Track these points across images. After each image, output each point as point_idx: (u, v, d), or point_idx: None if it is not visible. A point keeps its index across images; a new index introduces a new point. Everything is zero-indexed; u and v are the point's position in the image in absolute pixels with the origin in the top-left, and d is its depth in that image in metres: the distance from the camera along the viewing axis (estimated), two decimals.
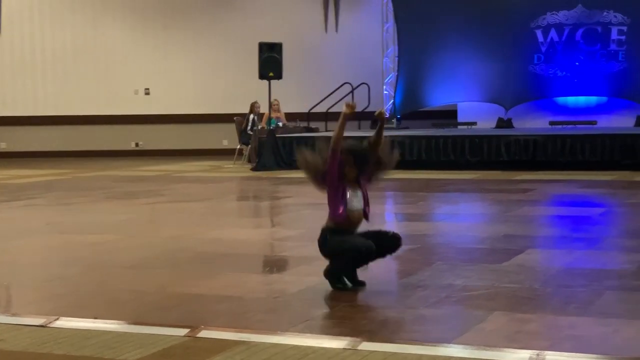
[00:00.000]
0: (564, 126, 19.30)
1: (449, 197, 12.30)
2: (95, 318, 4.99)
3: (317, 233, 5.91)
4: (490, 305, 5.21)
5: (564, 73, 20.14)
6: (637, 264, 6.48)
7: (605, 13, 19.92)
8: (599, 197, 11.82)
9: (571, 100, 20.33)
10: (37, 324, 4.90)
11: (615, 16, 19.89)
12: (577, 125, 19.29)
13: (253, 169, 17.12)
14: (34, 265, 7.06)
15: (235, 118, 19.52)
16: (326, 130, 19.23)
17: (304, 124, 19.75)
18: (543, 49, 20.30)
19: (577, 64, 20.03)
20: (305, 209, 10.40)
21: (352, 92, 20.98)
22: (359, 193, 5.74)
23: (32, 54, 22.90)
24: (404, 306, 5.28)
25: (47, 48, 22.93)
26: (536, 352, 4.15)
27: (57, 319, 4.98)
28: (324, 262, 5.97)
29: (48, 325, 4.88)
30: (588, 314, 4.97)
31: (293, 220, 9.97)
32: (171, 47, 23.04)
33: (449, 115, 21.45)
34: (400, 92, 21.34)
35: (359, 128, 20.99)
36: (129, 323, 4.91)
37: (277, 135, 17.54)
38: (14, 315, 5.15)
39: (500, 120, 20.45)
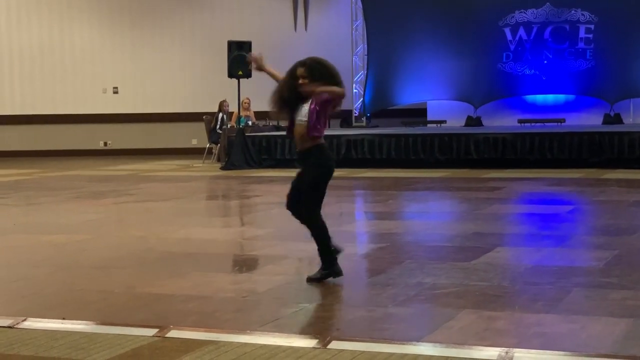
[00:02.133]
0: (533, 124, 19.42)
1: (418, 196, 12.33)
2: (64, 319, 4.95)
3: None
4: (459, 303, 5.23)
5: (533, 71, 20.26)
6: (604, 261, 6.53)
7: (573, 11, 20.06)
8: (567, 194, 11.90)
9: (540, 98, 20.46)
10: (4, 325, 4.85)
11: (583, 14, 20.03)
12: (545, 124, 19.42)
13: (222, 168, 17.07)
14: (0, 265, 7.00)
15: (204, 117, 19.45)
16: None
17: (273, 123, 19.72)
18: (512, 47, 20.40)
19: (545, 62, 20.15)
20: (274, 208, 10.37)
21: None
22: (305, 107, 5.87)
23: None
24: (373, 304, 5.29)
25: (14, 47, 22.72)
26: (505, 349, 4.17)
27: (25, 319, 4.93)
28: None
29: (15, 327, 4.83)
30: (556, 311, 4.99)
31: (262, 220, 9.95)
32: (139, 46, 22.93)
33: (418, 114, 21.50)
34: (369, 90, 21.37)
35: (329, 127, 20.98)
36: (98, 323, 4.88)
37: (246, 134, 17.51)
38: None
39: (469, 118, 20.55)
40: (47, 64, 22.77)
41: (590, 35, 20.00)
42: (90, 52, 22.89)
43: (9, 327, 4.83)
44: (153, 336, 4.58)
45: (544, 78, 20.16)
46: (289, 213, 6.11)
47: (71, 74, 22.84)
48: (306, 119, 5.83)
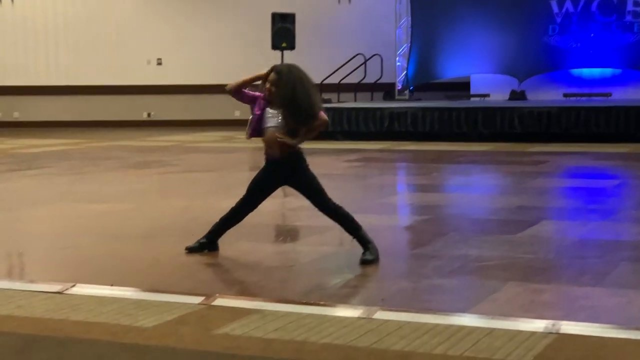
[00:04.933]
0: (579, 98, 19.20)
1: (461, 169, 12.27)
2: (112, 285, 5.01)
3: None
4: (505, 275, 5.21)
5: (579, 44, 19.99)
6: None
7: None
8: (613, 169, 11.79)
9: (586, 72, 20.20)
10: (53, 291, 4.92)
11: None
12: (591, 97, 19.19)
13: None
14: (48, 233, 7.09)
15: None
16: (338, 102, 19.18)
17: None
18: (558, 20, 20.14)
19: (592, 35, 19.88)
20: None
21: (364, 63, 20.90)
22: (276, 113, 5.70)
23: (44, 24, 22.85)
24: (418, 276, 5.28)
25: (60, 17, 22.88)
26: (551, 322, 4.15)
27: (74, 285, 5.00)
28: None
29: (64, 292, 4.90)
30: (602, 285, 4.96)
31: None
32: (184, 17, 22.97)
33: (461, 87, 21.35)
34: (413, 63, 21.24)
35: (372, 99, 20.94)
36: (145, 291, 4.93)
37: None
38: (30, 282, 5.18)
39: (513, 92, 20.35)
40: (92, 35, 22.90)
41: (639, 9, 19.68)
42: (135, 23, 22.99)
43: (59, 292, 4.90)
44: (199, 304, 4.62)
45: (590, 51, 19.89)
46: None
47: (115, 45, 22.96)
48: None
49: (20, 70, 22.91)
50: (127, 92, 22.81)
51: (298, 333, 4.09)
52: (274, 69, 5.67)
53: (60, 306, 4.61)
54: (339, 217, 5.77)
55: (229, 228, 6.03)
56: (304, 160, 5.82)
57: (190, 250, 5.97)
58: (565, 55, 20.07)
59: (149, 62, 23.01)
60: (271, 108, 5.68)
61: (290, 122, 5.58)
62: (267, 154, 5.80)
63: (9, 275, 5.65)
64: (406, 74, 21.33)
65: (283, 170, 5.77)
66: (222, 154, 14.77)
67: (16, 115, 22.97)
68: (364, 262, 5.55)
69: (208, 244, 6.00)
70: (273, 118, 5.69)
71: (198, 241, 6.01)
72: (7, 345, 3.98)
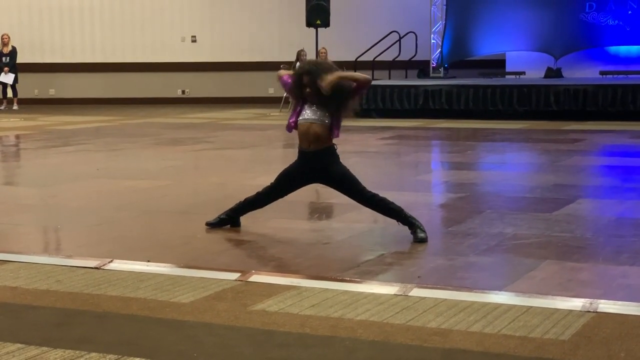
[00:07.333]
0: (615, 76, 18.99)
1: (496, 147, 12.21)
2: (149, 261, 5.04)
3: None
4: (541, 253, 5.19)
5: (616, 21, 19.74)
6: None
7: None
8: None
9: (623, 49, 19.96)
10: (91, 266, 4.97)
11: None
12: (628, 75, 18.98)
13: None
14: (85, 209, 7.14)
15: (281, 66, 19.40)
16: (373, 79, 19.11)
17: None
18: None
19: (629, 12, 19.63)
20: (352, 157, 10.35)
21: (399, 40, 20.79)
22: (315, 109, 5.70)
23: (80, 1, 22.94)
24: (454, 253, 5.27)
25: None
26: (589, 300, 4.13)
27: (111, 261, 5.04)
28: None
29: (102, 268, 4.94)
30: None
31: None
32: None
33: (497, 65, 21.18)
34: (447, 41, 21.09)
35: (406, 77, 20.84)
36: (181, 267, 4.97)
37: None
38: (68, 257, 5.23)
39: (549, 69, 20.17)
40: (127, 12, 22.96)
41: None
42: (169, 0, 23.01)
43: (96, 268, 4.95)
44: (235, 280, 4.65)
45: (627, 29, 19.65)
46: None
47: (150, 22, 23.01)
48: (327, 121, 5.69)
49: (56, 47, 23.04)
50: (162, 69, 22.87)
51: (334, 310, 4.10)
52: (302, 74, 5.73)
53: (98, 281, 4.66)
54: (377, 204, 5.77)
55: (251, 210, 6.08)
56: (336, 155, 5.81)
57: (210, 225, 6.03)
58: (601, 33, 19.84)
59: (183, 40, 23.04)
60: (311, 100, 5.69)
61: (321, 86, 5.56)
62: (300, 146, 5.81)
63: (47, 251, 5.71)
64: (441, 52, 21.20)
65: (314, 163, 5.78)
66: (256, 131, 14.79)
67: (52, 92, 23.13)
68: (420, 241, 5.53)
69: (228, 220, 6.05)
70: (308, 110, 5.70)
71: (218, 216, 6.07)
72: (46, 319, 4.02)
